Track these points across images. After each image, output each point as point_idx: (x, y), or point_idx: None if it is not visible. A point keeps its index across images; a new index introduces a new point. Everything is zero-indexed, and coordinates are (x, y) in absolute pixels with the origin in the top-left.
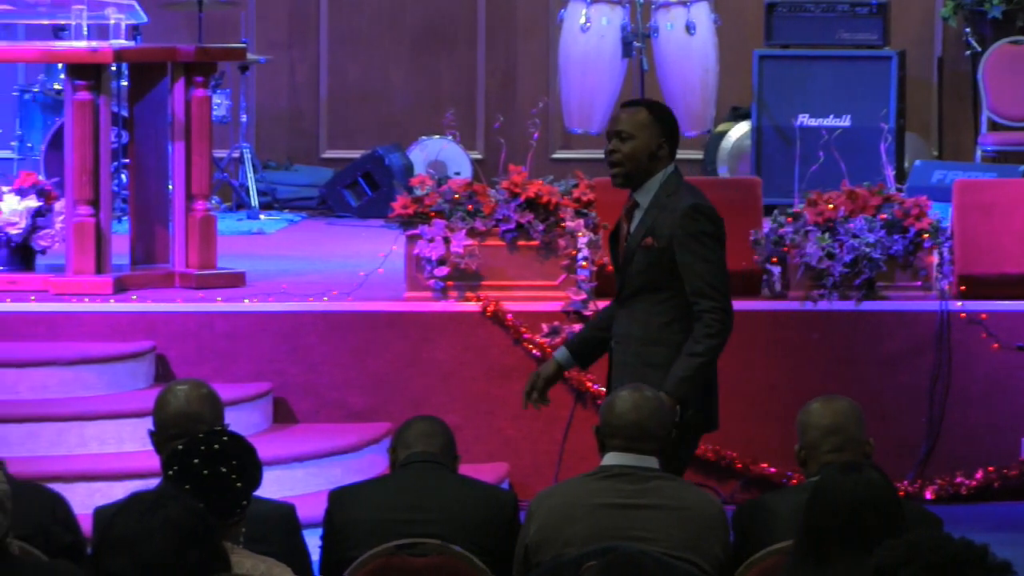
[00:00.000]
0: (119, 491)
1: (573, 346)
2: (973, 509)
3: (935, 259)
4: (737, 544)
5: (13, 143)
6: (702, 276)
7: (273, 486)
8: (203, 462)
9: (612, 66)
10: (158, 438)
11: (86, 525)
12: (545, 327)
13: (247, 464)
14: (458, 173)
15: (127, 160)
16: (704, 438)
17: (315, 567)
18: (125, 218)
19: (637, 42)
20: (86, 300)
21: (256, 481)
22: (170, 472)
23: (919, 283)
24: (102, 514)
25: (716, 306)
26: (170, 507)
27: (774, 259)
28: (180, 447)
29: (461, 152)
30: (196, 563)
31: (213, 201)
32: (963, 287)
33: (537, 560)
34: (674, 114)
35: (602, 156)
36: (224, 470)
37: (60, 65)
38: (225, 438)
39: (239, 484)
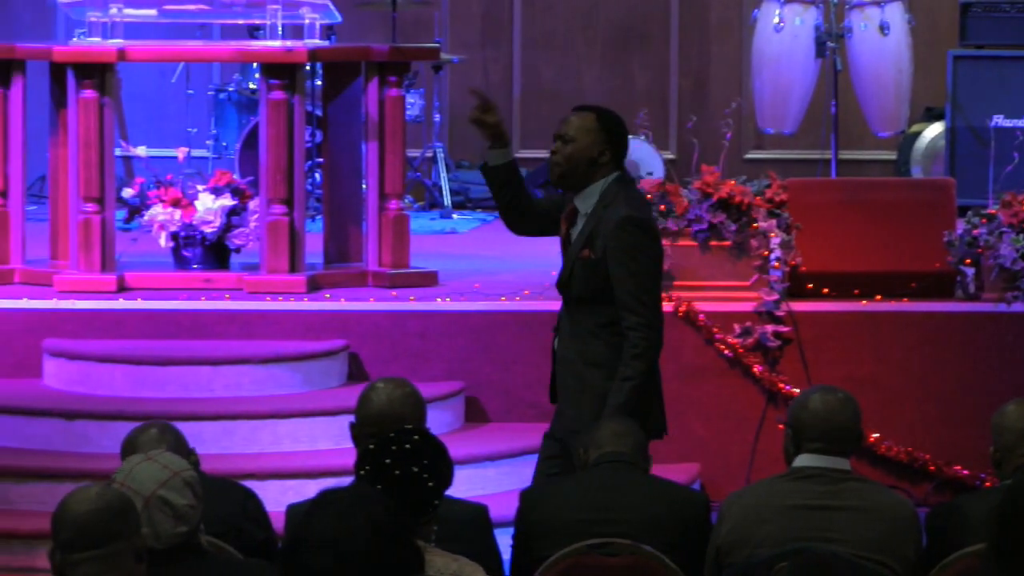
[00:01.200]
0: (312, 489)
1: (514, 162)
2: None
3: None
4: (930, 546)
5: (208, 142)
6: (629, 290)
7: (465, 485)
8: (395, 462)
9: (805, 66)
10: (358, 433)
11: (279, 522)
12: (737, 327)
13: (438, 463)
14: (650, 173)
15: (321, 159)
16: (897, 439)
17: (506, 566)
18: (319, 217)
19: (831, 42)
20: (280, 298)
21: (447, 480)
22: (362, 471)
23: None
24: (295, 512)
25: (640, 322)
26: (371, 506)
27: (968, 260)
28: (372, 446)
29: (653, 152)
30: (395, 562)
31: (406, 200)
32: None
33: (728, 561)
34: (624, 123)
35: (796, 157)
36: (416, 469)
37: (255, 65)
38: (416, 437)
39: (431, 484)
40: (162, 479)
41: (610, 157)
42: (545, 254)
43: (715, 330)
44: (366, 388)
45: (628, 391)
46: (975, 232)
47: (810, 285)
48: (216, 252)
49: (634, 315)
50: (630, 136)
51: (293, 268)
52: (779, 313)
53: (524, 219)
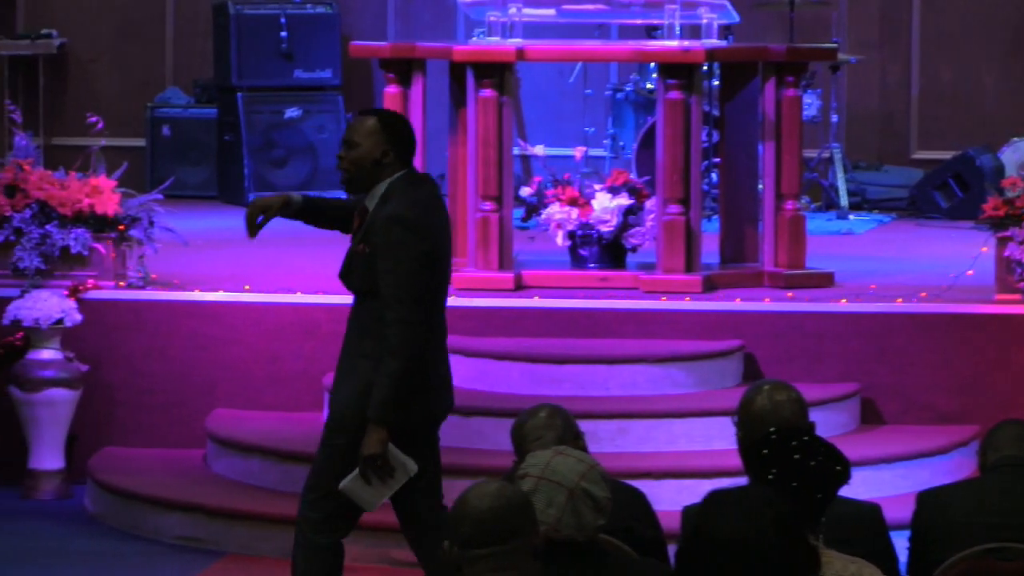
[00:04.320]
0: (707, 489)
1: (309, 200)
2: None
3: None
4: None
5: (605, 141)
6: (388, 286)
7: (860, 487)
8: (804, 456)
9: None
10: (741, 435)
11: (675, 522)
12: None
13: (841, 457)
14: None
15: (717, 159)
16: None
17: (902, 568)
18: (715, 217)
19: None
20: (676, 298)
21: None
22: (770, 472)
23: None
24: (690, 512)
25: (396, 318)
26: (775, 506)
27: None
28: (769, 446)
29: None
30: (796, 562)
31: (803, 201)
32: None
33: None
34: (407, 123)
35: None
36: (828, 461)
37: (652, 64)
38: (805, 437)
39: (841, 472)
40: (581, 471)
41: (394, 157)
42: (944, 256)
43: None
44: (749, 389)
45: (388, 387)
46: None
47: None
48: (612, 251)
49: (391, 311)
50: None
51: (689, 268)
52: None
53: (348, 222)
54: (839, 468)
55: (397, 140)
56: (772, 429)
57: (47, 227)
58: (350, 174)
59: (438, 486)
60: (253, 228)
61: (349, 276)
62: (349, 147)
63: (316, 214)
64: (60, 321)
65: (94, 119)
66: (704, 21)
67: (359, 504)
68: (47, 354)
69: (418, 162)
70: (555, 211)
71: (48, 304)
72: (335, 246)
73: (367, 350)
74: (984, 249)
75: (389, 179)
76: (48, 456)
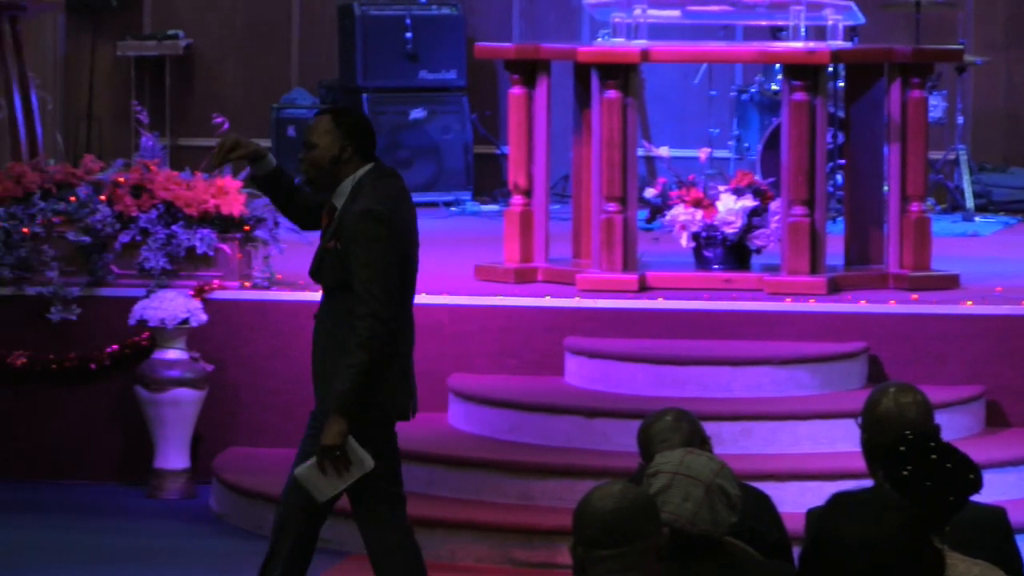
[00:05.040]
0: (830, 491)
1: (281, 171)
2: None
3: None
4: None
5: (730, 143)
6: (361, 280)
7: (984, 490)
8: (940, 457)
9: None
10: (865, 438)
11: (798, 523)
12: None
13: (973, 466)
14: None
15: (842, 161)
16: None
17: None
18: (839, 218)
19: None
20: (800, 300)
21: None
22: (905, 469)
23: None
24: (814, 515)
25: (367, 312)
26: (903, 509)
27: None
28: (901, 448)
29: None
30: (923, 564)
31: (928, 203)
32: None
33: None
34: (362, 116)
35: None
36: (962, 461)
37: (777, 66)
38: (932, 443)
39: (972, 477)
40: (715, 468)
41: (352, 152)
42: None
43: None
44: (874, 391)
45: (350, 377)
46: None
47: None
48: (737, 253)
49: (362, 305)
50: None
51: (814, 269)
52: None
53: (306, 215)
54: (971, 476)
55: (354, 135)
56: (907, 431)
57: (173, 227)
58: (311, 175)
59: (398, 485)
60: (219, 158)
61: (320, 272)
62: (308, 148)
63: (282, 190)
64: (185, 321)
65: (220, 120)
66: (829, 22)
67: (311, 492)
68: (172, 354)
69: (542, 163)
70: (679, 212)
71: (174, 304)
72: (459, 247)
73: (342, 344)
74: None
75: (354, 175)
76: (173, 456)
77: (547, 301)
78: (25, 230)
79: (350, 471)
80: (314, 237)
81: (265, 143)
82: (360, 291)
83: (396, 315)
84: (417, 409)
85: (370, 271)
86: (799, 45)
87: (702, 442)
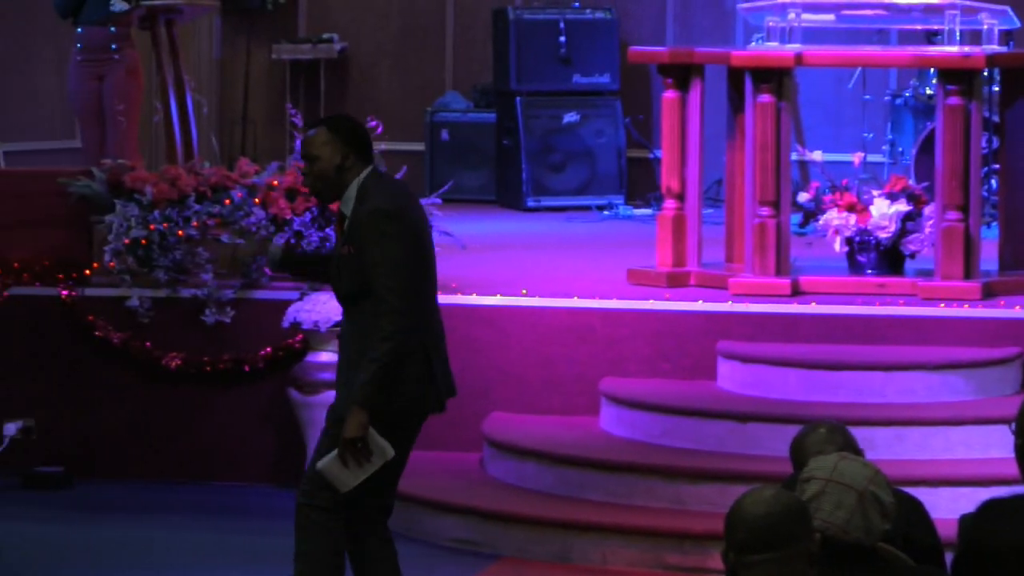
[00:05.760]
0: (984, 497)
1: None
2: None
3: None
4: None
5: (884, 147)
6: (378, 277)
7: None
8: None
9: None
10: (1019, 443)
11: (948, 530)
12: None
13: None
14: None
15: (996, 165)
16: None
17: None
18: (993, 223)
19: None
20: (954, 305)
21: None
22: None
23: None
24: (967, 521)
25: (387, 308)
26: None
27: None
28: None
29: None
30: None
31: None
32: None
33: None
34: (354, 121)
35: None
36: None
37: (932, 70)
38: None
39: None
40: (869, 475)
41: (355, 158)
42: None
43: None
44: None
45: (373, 370)
46: None
47: None
48: (890, 257)
49: (383, 302)
50: None
51: (968, 274)
52: None
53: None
54: None
55: (352, 142)
56: None
57: (327, 230)
58: (318, 187)
59: (397, 477)
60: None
61: (339, 281)
62: (310, 162)
63: (309, 262)
64: (338, 324)
65: (373, 123)
66: (984, 26)
67: (335, 485)
68: (325, 356)
69: (695, 167)
70: (833, 217)
71: (327, 307)
72: (611, 251)
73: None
74: None
75: (357, 179)
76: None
77: (700, 305)
78: (180, 233)
79: (371, 461)
80: (468, 242)
81: (418, 147)
82: (379, 289)
83: (415, 308)
84: (444, 406)
85: (385, 268)
86: (954, 49)
87: (858, 456)
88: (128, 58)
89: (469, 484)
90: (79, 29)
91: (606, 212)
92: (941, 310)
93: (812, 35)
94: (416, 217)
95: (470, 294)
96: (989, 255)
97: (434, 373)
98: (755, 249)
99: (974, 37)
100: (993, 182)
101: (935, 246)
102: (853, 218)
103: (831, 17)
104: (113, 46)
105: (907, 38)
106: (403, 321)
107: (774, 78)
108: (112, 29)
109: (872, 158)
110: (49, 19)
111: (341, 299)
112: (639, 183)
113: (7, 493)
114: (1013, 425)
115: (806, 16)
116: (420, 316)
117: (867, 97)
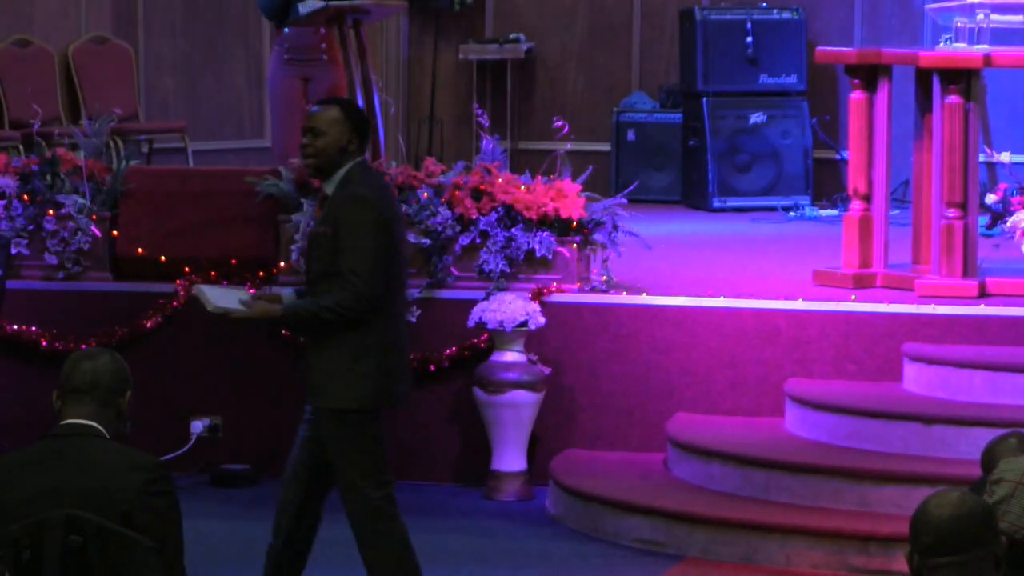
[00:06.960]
0: None
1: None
2: None
3: None
4: None
5: None
6: (347, 260)
7: None
8: None
9: None
10: None
11: None
12: None
13: None
14: None
15: None
16: None
17: None
18: None
19: None
20: None
21: None
22: None
23: None
24: None
25: (348, 286)
26: None
27: None
28: None
29: None
30: None
31: None
32: None
33: None
34: (363, 113)
35: None
36: None
37: None
38: None
39: None
40: None
41: (356, 145)
42: None
43: None
44: None
45: (312, 313)
46: None
47: None
48: None
49: (348, 284)
50: None
51: None
52: None
53: None
54: None
55: (359, 128)
56: None
57: (512, 230)
58: (317, 160)
59: (377, 475)
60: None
61: (310, 259)
62: (315, 135)
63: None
64: (524, 324)
65: (560, 123)
66: None
67: (200, 299)
68: (510, 356)
69: (882, 168)
70: (1020, 219)
71: (512, 307)
72: (797, 252)
73: (344, 340)
74: None
75: (348, 165)
76: (511, 458)
77: (886, 307)
78: None
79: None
80: (653, 243)
81: (604, 147)
82: (345, 271)
83: (375, 297)
84: (401, 403)
85: (356, 251)
86: None
87: None
88: (336, 63)
89: (654, 485)
90: (286, 30)
91: (792, 213)
92: None
93: (1001, 36)
94: (393, 213)
95: (655, 295)
96: None
97: (388, 372)
98: (942, 251)
99: None
100: None
101: None
102: None
103: (1020, 18)
104: (323, 45)
105: None
106: (358, 304)
107: (962, 79)
108: (322, 31)
109: (1017, 159)
110: (240, 20)
111: (310, 281)
112: (825, 184)
113: (196, 490)
114: None
115: (995, 17)
116: (380, 308)
117: None
